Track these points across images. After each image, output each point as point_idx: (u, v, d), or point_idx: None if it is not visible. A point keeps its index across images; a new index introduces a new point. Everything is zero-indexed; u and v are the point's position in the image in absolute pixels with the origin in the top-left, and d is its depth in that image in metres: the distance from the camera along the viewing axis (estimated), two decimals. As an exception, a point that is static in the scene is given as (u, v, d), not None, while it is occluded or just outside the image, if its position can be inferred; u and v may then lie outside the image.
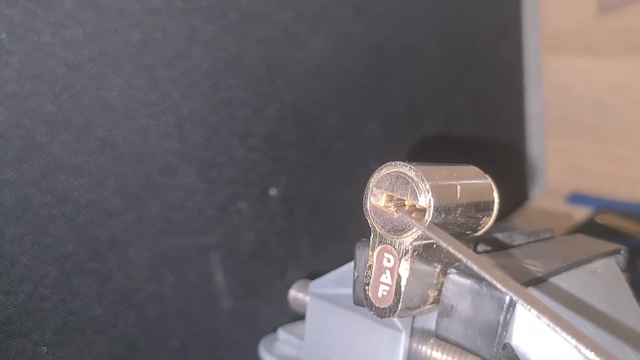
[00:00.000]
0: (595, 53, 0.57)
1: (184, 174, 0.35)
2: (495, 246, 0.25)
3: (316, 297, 0.29)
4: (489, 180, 0.23)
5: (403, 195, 0.20)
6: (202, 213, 0.36)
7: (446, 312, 0.21)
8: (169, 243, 0.35)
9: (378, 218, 0.21)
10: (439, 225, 0.20)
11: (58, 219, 0.31)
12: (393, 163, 0.20)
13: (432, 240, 0.20)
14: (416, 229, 0.20)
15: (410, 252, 0.20)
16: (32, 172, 0.29)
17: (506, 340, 0.21)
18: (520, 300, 0.16)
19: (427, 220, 0.19)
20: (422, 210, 0.20)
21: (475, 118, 0.58)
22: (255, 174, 0.39)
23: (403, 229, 0.20)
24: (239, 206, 0.38)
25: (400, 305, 0.20)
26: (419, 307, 0.21)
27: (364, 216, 0.21)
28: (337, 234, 0.44)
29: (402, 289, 0.20)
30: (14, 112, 0.29)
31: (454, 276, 0.21)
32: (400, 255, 0.20)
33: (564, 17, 0.58)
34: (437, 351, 0.24)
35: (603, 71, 0.57)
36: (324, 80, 0.43)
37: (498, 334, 0.21)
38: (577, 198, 0.61)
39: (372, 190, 0.21)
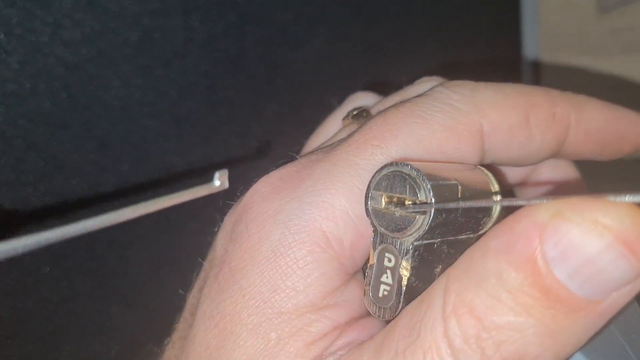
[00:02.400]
0: (594, 53, 0.57)
1: (182, 174, 0.35)
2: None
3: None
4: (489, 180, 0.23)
5: (402, 194, 0.20)
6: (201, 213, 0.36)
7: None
8: (168, 244, 0.35)
9: (379, 219, 0.21)
10: (438, 225, 0.20)
11: (57, 218, 0.30)
12: (393, 163, 0.20)
13: (433, 240, 0.20)
14: (417, 228, 0.20)
15: (411, 252, 0.20)
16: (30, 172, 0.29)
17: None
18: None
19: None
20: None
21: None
22: (254, 174, 0.39)
23: (404, 229, 0.20)
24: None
25: (401, 305, 0.20)
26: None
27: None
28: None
29: (403, 288, 0.20)
30: (12, 112, 0.28)
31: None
32: (401, 255, 0.20)
33: (563, 17, 0.58)
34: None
35: (602, 71, 0.57)
36: (323, 80, 0.42)
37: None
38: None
39: (371, 192, 0.21)
